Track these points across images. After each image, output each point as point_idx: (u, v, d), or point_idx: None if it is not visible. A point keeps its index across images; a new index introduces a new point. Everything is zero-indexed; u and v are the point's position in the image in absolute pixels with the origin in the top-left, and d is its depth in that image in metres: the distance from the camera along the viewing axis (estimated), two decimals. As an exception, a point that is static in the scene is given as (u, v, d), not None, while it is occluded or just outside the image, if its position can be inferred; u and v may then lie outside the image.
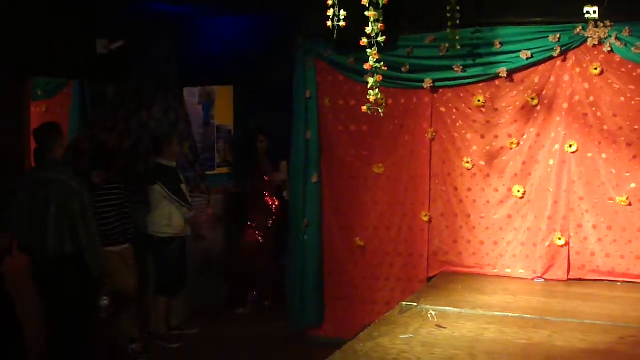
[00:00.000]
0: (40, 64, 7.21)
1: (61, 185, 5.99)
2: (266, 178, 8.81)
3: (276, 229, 8.78)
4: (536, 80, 6.68)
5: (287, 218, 7.89)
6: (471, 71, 6.82)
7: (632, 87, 6.38)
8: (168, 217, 7.50)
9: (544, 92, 6.67)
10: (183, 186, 7.64)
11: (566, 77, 6.59)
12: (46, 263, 6.00)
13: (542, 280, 6.70)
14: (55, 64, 7.31)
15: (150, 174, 7.58)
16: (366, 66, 4.64)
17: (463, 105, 6.96)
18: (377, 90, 4.62)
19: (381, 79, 4.65)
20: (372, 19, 4.50)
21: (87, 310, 6.22)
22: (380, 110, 4.69)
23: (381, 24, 4.52)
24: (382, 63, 4.61)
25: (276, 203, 8.82)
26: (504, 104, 6.83)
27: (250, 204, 8.85)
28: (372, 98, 4.64)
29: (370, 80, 4.64)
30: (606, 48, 6.37)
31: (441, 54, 6.87)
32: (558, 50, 6.51)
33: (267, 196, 8.81)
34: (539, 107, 6.71)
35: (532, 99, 6.69)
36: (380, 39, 4.53)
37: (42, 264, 6.02)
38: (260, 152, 8.81)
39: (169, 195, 7.45)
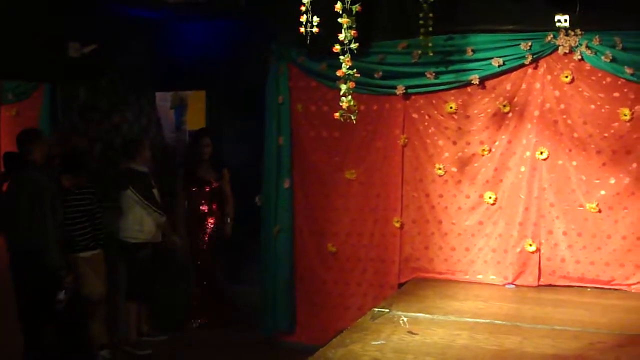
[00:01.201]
0: (10, 67, 7.13)
1: (35, 183, 6.31)
2: (207, 188, 8.34)
3: (212, 250, 8.39)
4: (508, 87, 6.73)
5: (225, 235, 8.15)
6: (443, 78, 6.85)
7: (602, 95, 6.44)
8: (139, 223, 7.44)
9: (515, 100, 6.72)
10: (155, 191, 7.59)
11: (537, 85, 6.64)
12: (17, 255, 6.38)
13: (513, 286, 6.74)
14: (26, 67, 7.23)
15: (122, 179, 7.50)
16: (339, 73, 4.65)
17: (435, 111, 6.99)
18: (349, 97, 4.64)
19: (354, 85, 4.66)
20: (345, 26, 4.52)
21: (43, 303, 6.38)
22: (352, 117, 4.71)
23: (354, 31, 4.53)
24: (354, 70, 4.62)
25: (210, 221, 8.34)
26: (475, 111, 6.86)
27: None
28: (344, 105, 4.65)
29: (343, 87, 4.65)
30: (577, 56, 6.43)
31: (414, 61, 6.89)
32: (529, 58, 6.56)
33: (203, 210, 8.35)
34: (510, 114, 6.75)
35: (504, 106, 6.73)
36: (354, 45, 4.55)
37: (14, 256, 6.40)
38: (203, 158, 8.30)
39: (141, 200, 7.40)
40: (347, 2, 4.51)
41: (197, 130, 8.60)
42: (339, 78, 4.80)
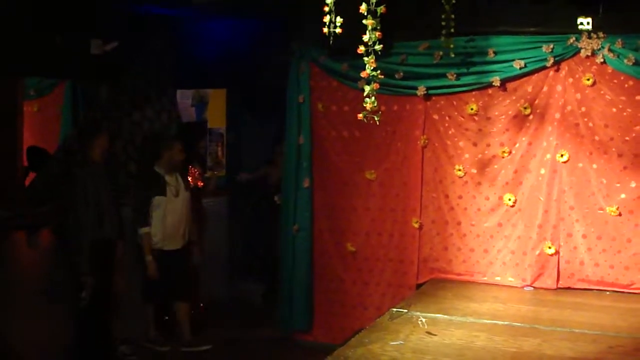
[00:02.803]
0: (33, 64, 7.18)
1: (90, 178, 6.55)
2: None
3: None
4: (529, 89, 6.72)
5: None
6: (465, 79, 6.85)
7: (624, 98, 6.43)
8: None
9: (536, 102, 6.71)
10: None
11: (559, 87, 6.63)
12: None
13: (532, 288, 6.73)
14: (49, 64, 7.28)
15: (151, 184, 7.22)
16: (363, 74, 4.65)
17: (456, 113, 6.99)
18: (373, 97, 4.64)
19: (378, 87, 4.67)
20: (370, 27, 4.51)
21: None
22: (376, 118, 4.70)
23: (379, 32, 4.53)
24: (378, 71, 4.62)
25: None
26: (496, 113, 6.86)
27: None
28: (368, 106, 4.65)
29: (367, 88, 4.65)
30: (599, 59, 6.42)
31: (435, 62, 6.89)
32: (551, 61, 6.55)
33: None
34: (531, 117, 6.74)
35: (525, 108, 6.72)
36: (378, 47, 4.55)
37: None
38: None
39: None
40: (372, 3, 4.51)
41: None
42: (360, 78, 4.80)
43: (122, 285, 7.07)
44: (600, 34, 6.38)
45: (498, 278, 6.92)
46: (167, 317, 7.72)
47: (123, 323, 7.18)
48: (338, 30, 4.58)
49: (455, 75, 6.84)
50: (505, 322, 5.46)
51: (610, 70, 6.44)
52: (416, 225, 7.14)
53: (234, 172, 8.74)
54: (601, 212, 6.57)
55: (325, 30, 4.62)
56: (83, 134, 6.74)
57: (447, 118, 7.03)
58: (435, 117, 7.06)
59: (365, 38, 4.56)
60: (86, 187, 6.36)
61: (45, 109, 9.32)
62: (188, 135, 8.04)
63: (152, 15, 7.99)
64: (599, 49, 6.40)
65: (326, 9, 4.56)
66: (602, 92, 6.49)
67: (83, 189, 6.36)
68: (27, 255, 6.70)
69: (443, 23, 6.42)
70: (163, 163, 7.23)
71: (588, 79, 6.50)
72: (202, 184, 8.37)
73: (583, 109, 6.57)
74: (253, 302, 8.84)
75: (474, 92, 6.91)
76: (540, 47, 6.57)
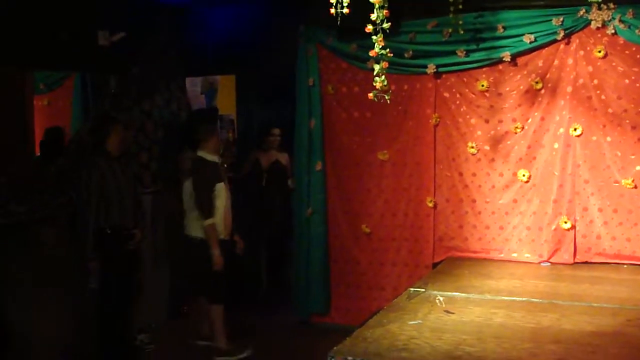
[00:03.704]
0: (41, 58, 7.18)
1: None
2: None
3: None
4: (540, 64, 6.67)
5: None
6: (474, 56, 6.80)
7: (636, 69, 6.36)
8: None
9: (547, 76, 6.66)
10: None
11: (570, 61, 6.58)
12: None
13: (549, 264, 6.71)
14: (57, 57, 7.28)
15: (212, 170, 6.89)
16: (372, 53, 4.63)
17: (467, 90, 6.95)
18: (383, 77, 4.62)
19: (387, 65, 4.65)
20: (377, 6, 4.49)
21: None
22: (386, 97, 4.69)
23: (386, 11, 4.51)
24: (387, 50, 4.60)
25: None
26: (507, 89, 6.82)
27: None
28: (378, 85, 4.64)
29: (376, 67, 4.64)
30: (610, 31, 6.35)
31: (444, 39, 6.85)
32: (561, 34, 6.49)
33: None
34: (543, 91, 6.70)
35: (536, 82, 6.68)
36: (386, 25, 4.52)
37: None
38: None
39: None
40: (378, -19, 4.48)
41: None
42: (369, 58, 4.80)
43: (140, 274, 7.09)
44: (611, 5, 6.30)
45: (515, 254, 6.90)
46: (185, 308, 7.75)
47: (141, 312, 7.22)
48: (345, 10, 4.55)
49: (465, 52, 6.79)
50: (523, 298, 5.43)
51: (621, 42, 6.37)
52: (430, 205, 7.13)
53: (245, 159, 8.71)
54: (616, 185, 6.52)
55: (333, 10, 4.61)
56: (97, 127, 6.73)
57: (458, 95, 6.99)
58: (446, 94, 7.03)
59: (373, 16, 4.54)
60: (90, 178, 6.37)
61: (55, 102, 9.32)
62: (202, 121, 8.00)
63: (159, 3, 7.98)
64: (610, 20, 6.33)
65: (333, -11, 4.54)
66: (614, 63, 6.43)
67: (88, 180, 6.37)
68: (44, 248, 6.71)
69: (451, 0, 6.38)
70: (210, 148, 6.89)
71: (599, 51, 6.44)
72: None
73: (595, 81, 6.51)
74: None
75: (484, 69, 6.86)
76: (550, 20, 6.52)
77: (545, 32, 6.56)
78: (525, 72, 6.74)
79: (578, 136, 6.60)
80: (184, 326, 7.63)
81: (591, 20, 6.40)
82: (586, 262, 6.66)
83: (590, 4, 6.33)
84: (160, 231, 7.92)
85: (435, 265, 7.04)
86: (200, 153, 6.87)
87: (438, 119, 7.06)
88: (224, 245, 6.84)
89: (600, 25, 6.38)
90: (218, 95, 9.34)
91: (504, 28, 6.66)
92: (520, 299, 5.43)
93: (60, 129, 8.05)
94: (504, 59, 6.69)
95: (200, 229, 6.77)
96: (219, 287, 6.87)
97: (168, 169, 7.94)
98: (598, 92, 6.51)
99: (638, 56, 6.34)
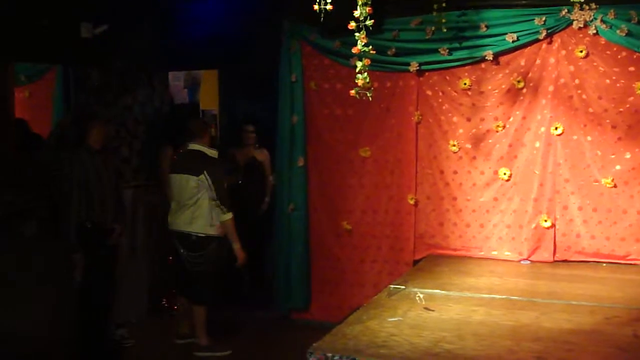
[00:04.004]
0: (23, 49, 7.12)
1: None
2: None
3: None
4: (522, 63, 6.70)
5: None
6: (457, 54, 6.82)
7: (617, 69, 6.40)
8: (210, 215, 6.71)
9: (529, 75, 6.69)
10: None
11: (552, 60, 6.61)
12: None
13: (528, 262, 6.74)
14: (39, 49, 7.23)
15: (211, 163, 6.76)
16: (354, 50, 4.64)
17: (449, 88, 6.97)
18: (365, 74, 4.63)
19: (369, 62, 4.65)
20: (360, 2, 4.50)
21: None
22: (368, 94, 4.70)
23: (369, 8, 4.51)
24: (370, 47, 4.61)
25: None
26: (490, 87, 6.84)
27: None
28: (360, 82, 4.64)
29: (359, 64, 4.65)
30: (591, 31, 6.39)
31: (427, 37, 6.86)
32: (544, 33, 6.52)
33: None
34: (524, 90, 6.72)
35: (518, 81, 6.70)
36: (369, 22, 4.53)
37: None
38: None
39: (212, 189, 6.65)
40: (362, -22, 4.49)
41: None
42: (352, 55, 4.79)
43: (119, 269, 7.07)
44: (593, 5, 6.34)
45: (495, 252, 6.92)
46: (165, 302, 7.73)
47: (119, 307, 7.18)
48: (329, 7, 4.55)
49: (447, 51, 6.81)
50: (503, 296, 5.45)
51: (603, 42, 6.41)
52: (412, 202, 7.14)
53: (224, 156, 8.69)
54: (596, 184, 6.56)
55: (316, 7, 4.60)
56: (79, 121, 6.69)
57: (440, 93, 7.01)
58: (429, 92, 7.04)
59: (356, 13, 4.54)
60: (72, 171, 6.34)
61: (36, 94, 9.22)
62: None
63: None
64: (592, 20, 6.37)
65: (316, -15, 4.54)
66: (595, 63, 6.47)
67: (69, 172, 6.34)
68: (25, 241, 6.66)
69: (435, -2, 6.41)
70: (206, 142, 6.80)
71: (581, 51, 6.47)
72: None
73: (576, 81, 6.55)
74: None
75: (466, 67, 6.88)
76: (533, 19, 6.54)
77: (528, 32, 6.59)
78: (507, 71, 6.76)
79: (559, 135, 6.64)
80: (164, 321, 7.60)
81: (573, 20, 6.43)
82: (565, 261, 6.70)
83: (572, 4, 6.36)
84: (140, 226, 7.89)
85: (415, 262, 7.05)
86: (197, 147, 6.74)
87: (420, 117, 7.08)
88: (224, 241, 6.78)
89: (582, 25, 6.41)
90: (201, 90, 9.32)
91: (487, 27, 6.69)
92: (500, 296, 5.45)
93: (23, 122, 7.97)
94: (486, 58, 6.72)
95: (205, 226, 6.66)
96: (210, 288, 6.82)
97: (149, 163, 7.92)
98: (579, 91, 6.54)
99: (619, 56, 6.38)
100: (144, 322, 7.70)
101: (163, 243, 7.29)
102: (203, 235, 6.68)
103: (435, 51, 6.85)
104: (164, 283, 7.85)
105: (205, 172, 6.59)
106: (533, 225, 6.76)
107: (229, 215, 6.65)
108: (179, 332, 7.12)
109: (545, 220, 6.70)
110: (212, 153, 6.79)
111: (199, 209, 6.66)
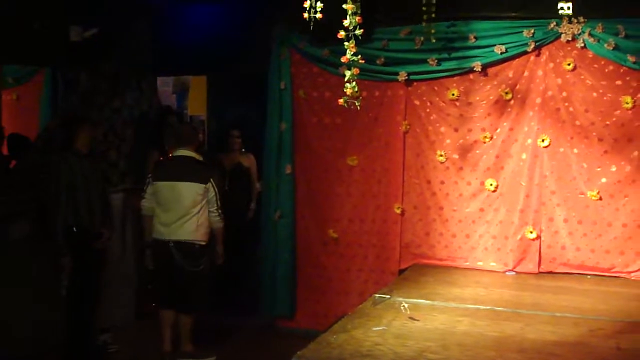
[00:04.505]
0: (12, 51, 7.11)
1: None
2: None
3: None
4: (510, 74, 6.73)
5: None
6: (446, 65, 6.85)
7: (604, 82, 6.45)
8: (208, 222, 6.63)
9: (517, 87, 6.72)
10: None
11: (540, 72, 6.65)
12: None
13: (514, 273, 6.76)
14: (28, 51, 7.21)
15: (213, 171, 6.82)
16: (343, 59, 4.65)
17: (437, 98, 6.99)
18: (354, 83, 4.63)
19: (358, 72, 4.66)
20: (350, 12, 4.50)
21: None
22: (357, 104, 4.71)
23: (359, 17, 4.52)
24: (359, 56, 4.62)
25: None
26: (477, 98, 6.87)
27: None
28: (349, 91, 4.65)
29: (347, 73, 4.65)
30: (579, 44, 6.43)
31: (416, 47, 6.89)
32: (532, 46, 6.56)
33: None
34: (512, 102, 6.75)
35: (506, 93, 6.73)
36: (358, 32, 4.54)
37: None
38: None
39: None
40: (352, -12, 4.50)
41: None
42: (341, 64, 4.80)
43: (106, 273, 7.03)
44: (581, 19, 6.39)
45: (480, 263, 6.94)
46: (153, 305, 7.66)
47: (103, 312, 7.13)
48: (319, 15, 4.56)
49: (436, 61, 6.83)
50: (488, 307, 5.46)
51: (590, 55, 6.46)
52: (398, 211, 7.15)
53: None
54: (582, 196, 6.60)
55: (306, 15, 4.61)
56: (66, 124, 6.67)
57: (428, 103, 7.03)
58: (417, 102, 7.06)
59: (346, 22, 4.55)
60: (60, 173, 6.32)
61: (24, 97, 9.23)
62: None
63: (132, 1, 7.93)
64: (580, 34, 6.42)
65: (306, -6, 4.55)
66: (582, 76, 6.52)
67: (57, 175, 6.32)
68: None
69: (424, 8, 6.45)
70: (194, 148, 6.72)
71: (569, 64, 6.51)
72: None
73: (564, 93, 6.59)
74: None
75: (455, 78, 6.91)
76: (521, 32, 6.58)
77: (516, 44, 6.63)
78: (495, 83, 6.79)
79: (546, 147, 6.67)
80: (152, 325, 7.55)
81: (561, 33, 6.47)
82: (550, 272, 6.73)
83: (561, 17, 6.42)
84: (128, 230, 7.85)
85: (401, 272, 7.05)
86: (186, 153, 6.61)
87: (408, 127, 7.09)
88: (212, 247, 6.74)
89: (570, 39, 6.46)
90: (189, 95, 9.31)
91: (476, 38, 6.72)
92: (485, 307, 5.46)
93: (23, 138, 7.95)
94: (474, 69, 6.75)
95: (206, 234, 6.60)
96: (205, 295, 6.77)
97: (137, 167, 7.89)
98: (566, 104, 6.58)
99: (606, 70, 6.43)
100: (131, 327, 7.64)
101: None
102: (204, 243, 6.62)
103: (424, 61, 6.88)
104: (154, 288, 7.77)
105: (211, 180, 6.57)
106: (519, 237, 6.78)
107: (222, 222, 6.65)
108: (164, 347, 6.78)
109: (531, 232, 6.72)
110: (200, 159, 6.74)
111: (202, 217, 6.57)
